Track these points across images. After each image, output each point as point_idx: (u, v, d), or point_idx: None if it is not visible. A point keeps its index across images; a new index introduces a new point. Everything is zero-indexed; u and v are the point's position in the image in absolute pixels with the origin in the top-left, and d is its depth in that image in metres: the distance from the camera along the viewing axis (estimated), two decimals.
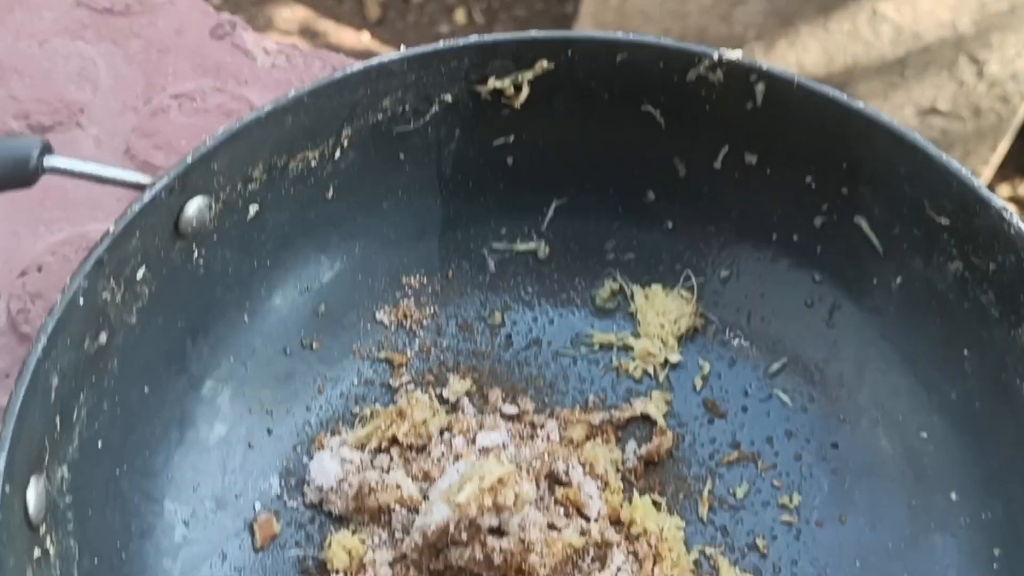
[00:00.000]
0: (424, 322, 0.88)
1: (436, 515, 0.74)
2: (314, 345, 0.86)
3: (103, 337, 0.70)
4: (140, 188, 0.71)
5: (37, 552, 0.63)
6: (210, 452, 0.80)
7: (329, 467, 0.80)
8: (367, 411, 0.84)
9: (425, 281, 0.89)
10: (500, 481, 0.73)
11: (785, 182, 0.83)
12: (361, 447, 0.82)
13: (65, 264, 0.95)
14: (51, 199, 0.98)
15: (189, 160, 0.72)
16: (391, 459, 0.81)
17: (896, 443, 0.82)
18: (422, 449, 0.82)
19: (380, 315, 0.88)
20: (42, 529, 0.64)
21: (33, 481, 0.63)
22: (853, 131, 0.78)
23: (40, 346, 0.64)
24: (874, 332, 0.83)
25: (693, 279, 0.88)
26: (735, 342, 0.87)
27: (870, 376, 0.83)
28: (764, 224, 0.86)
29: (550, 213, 0.89)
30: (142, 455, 0.76)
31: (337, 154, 0.81)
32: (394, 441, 0.82)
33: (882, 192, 0.80)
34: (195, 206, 0.74)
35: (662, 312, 0.87)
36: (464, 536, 0.73)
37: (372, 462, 0.81)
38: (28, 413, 0.62)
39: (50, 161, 0.72)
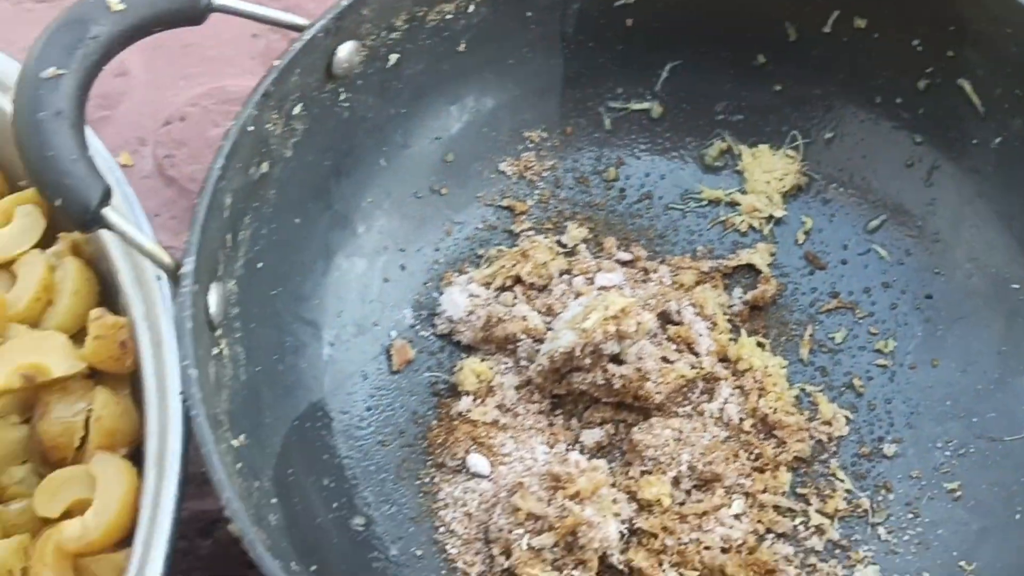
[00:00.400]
0: (543, 174, 0.94)
1: (562, 341, 0.80)
2: (443, 191, 0.92)
3: (265, 166, 0.77)
4: (299, 29, 0.77)
5: (215, 350, 0.70)
6: (351, 283, 0.87)
7: (458, 300, 0.87)
8: (491, 252, 0.91)
9: (545, 135, 0.95)
10: (623, 311, 0.79)
11: (892, 45, 0.87)
12: (487, 284, 0.89)
13: (205, 115, 1.02)
14: (190, 55, 1.05)
15: (344, 4, 0.78)
16: (515, 296, 0.88)
17: (989, 295, 0.87)
18: (543, 288, 0.88)
19: (503, 166, 0.94)
20: (218, 332, 0.71)
21: (213, 287, 0.70)
22: None
23: (217, 165, 0.70)
24: (971, 190, 0.88)
25: (799, 139, 0.93)
26: (837, 200, 0.93)
27: (966, 232, 0.88)
28: (869, 87, 0.91)
29: (664, 74, 0.94)
30: (294, 280, 0.83)
31: (471, 8, 0.86)
32: (517, 280, 0.88)
33: (987, 53, 0.84)
34: (346, 50, 0.80)
35: (768, 170, 0.92)
36: (587, 361, 0.80)
37: (497, 298, 0.88)
38: (208, 225, 0.69)
39: (218, 0, 0.78)
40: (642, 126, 0.96)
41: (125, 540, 0.70)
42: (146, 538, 0.67)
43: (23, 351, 0.74)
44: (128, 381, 0.77)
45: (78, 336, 0.77)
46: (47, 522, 0.73)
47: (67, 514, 0.72)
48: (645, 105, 0.95)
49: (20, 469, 0.76)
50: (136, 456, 0.73)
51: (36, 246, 0.81)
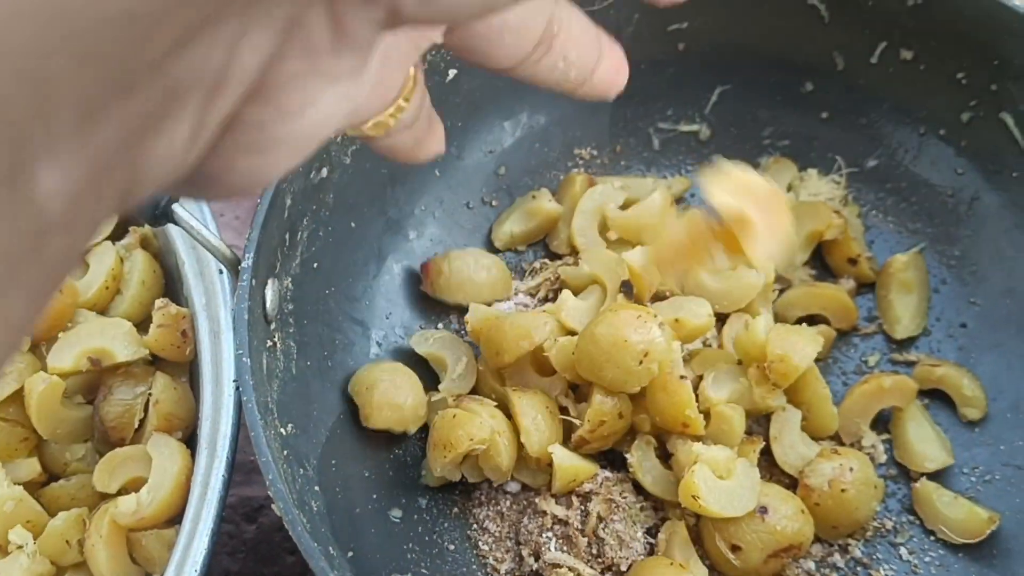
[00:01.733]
0: None
1: None
2: (493, 202, 0.96)
3: (324, 171, 0.81)
4: None
5: (269, 342, 0.74)
6: (400, 287, 0.91)
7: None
8: (535, 264, 0.94)
9: (595, 153, 0.98)
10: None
11: (937, 77, 0.90)
12: (532, 295, 0.92)
13: None
14: None
15: None
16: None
17: (1022, 325, 0.89)
18: None
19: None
20: (273, 325, 0.75)
21: (270, 283, 0.75)
22: (1006, 28, 0.83)
23: None
24: (1010, 222, 0.90)
25: (843, 166, 0.96)
26: (877, 226, 0.95)
27: (1003, 264, 0.90)
28: (914, 117, 0.93)
29: (714, 98, 0.97)
30: (347, 281, 0.87)
31: None
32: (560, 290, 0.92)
33: None
34: None
35: (814, 194, 0.95)
36: None
37: (542, 308, 0.91)
38: (268, 224, 0.73)
39: None
40: (690, 147, 0.99)
41: (176, 518, 0.74)
42: (195, 516, 0.71)
43: (90, 336, 0.79)
44: (187, 368, 0.82)
45: (142, 325, 0.81)
46: (104, 497, 0.78)
47: (123, 491, 0.77)
48: (694, 127, 0.98)
49: (82, 447, 0.80)
50: (190, 440, 0.77)
51: (107, 238, 0.86)
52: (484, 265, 0.90)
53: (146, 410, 0.79)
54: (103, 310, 0.83)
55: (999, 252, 0.90)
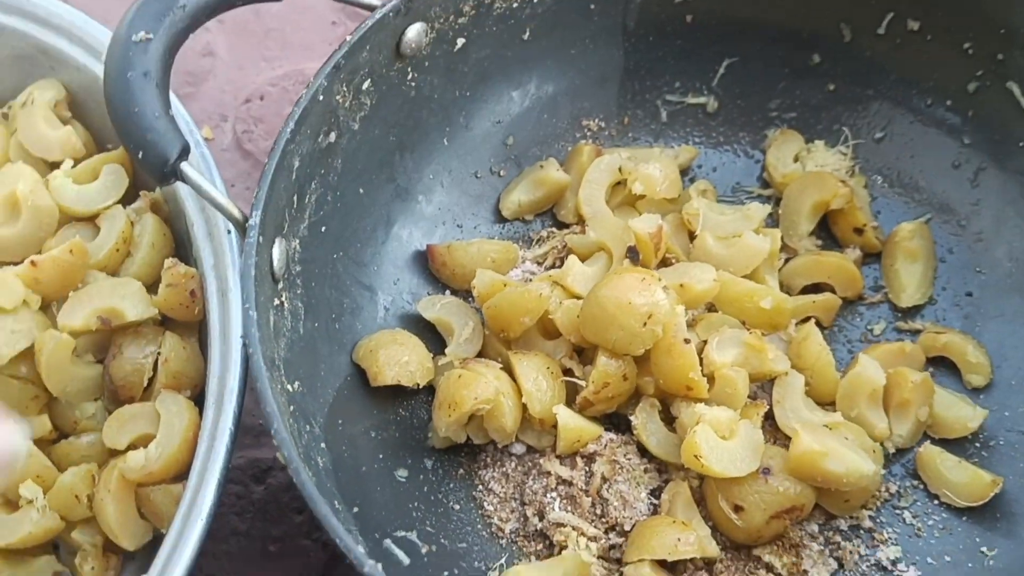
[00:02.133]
0: None
1: None
2: (501, 172, 0.97)
3: (332, 136, 0.82)
4: (371, 9, 0.82)
5: (276, 301, 0.75)
6: (409, 254, 0.92)
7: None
8: (543, 233, 0.95)
9: (603, 124, 0.99)
10: None
11: (944, 48, 0.90)
12: (539, 263, 0.93)
13: (284, 95, 1.08)
14: (272, 39, 1.11)
15: None
16: None
17: None
18: None
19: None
20: (280, 285, 0.76)
21: (277, 242, 0.75)
22: None
23: (288, 129, 0.76)
24: (1016, 192, 0.90)
25: (849, 138, 0.96)
26: (884, 196, 0.95)
27: (1008, 233, 0.90)
28: (920, 89, 0.93)
29: (721, 70, 0.98)
30: (355, 246, 0.88)
31: None
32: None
33: None
34: (415, 30, 0.84)
35: (821, 165, 0.95)
36: None
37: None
38: (276, 182, 0.74)
39: None
40: (697, 120, 0.99)
41: (183, 474, 0.75)
42: (201, 470, 0.72)
43: (100, 296, 0.80)
44: (196, 329, 0.83)
45: (152, 287, 0.82)
46: (114, 453, 0.79)
47: (132, 447, 0.78)
48: (701, 100, 0.99)
49: (92, 405, 0.81)
50: (199, 399, 0.78)
51: (119, 202, 0.87)
52: (487, 252, 0.91)
53: (155, 369, 0.80)
54: (114, 271, 0.84)
55: (1005, 221, 0.90)
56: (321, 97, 0.78)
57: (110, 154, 0.89)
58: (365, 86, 0.83)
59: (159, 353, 0.80)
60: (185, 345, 0.81)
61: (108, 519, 0.76)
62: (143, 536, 0.78)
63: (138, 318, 0.80)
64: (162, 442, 0.76)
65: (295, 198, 0.78)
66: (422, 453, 0.84)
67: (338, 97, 0.81)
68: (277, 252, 0.75)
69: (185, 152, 0.74)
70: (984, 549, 0.80)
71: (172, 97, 0.79)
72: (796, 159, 0.95)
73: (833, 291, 0.90)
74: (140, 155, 0.73)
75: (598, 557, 0.79)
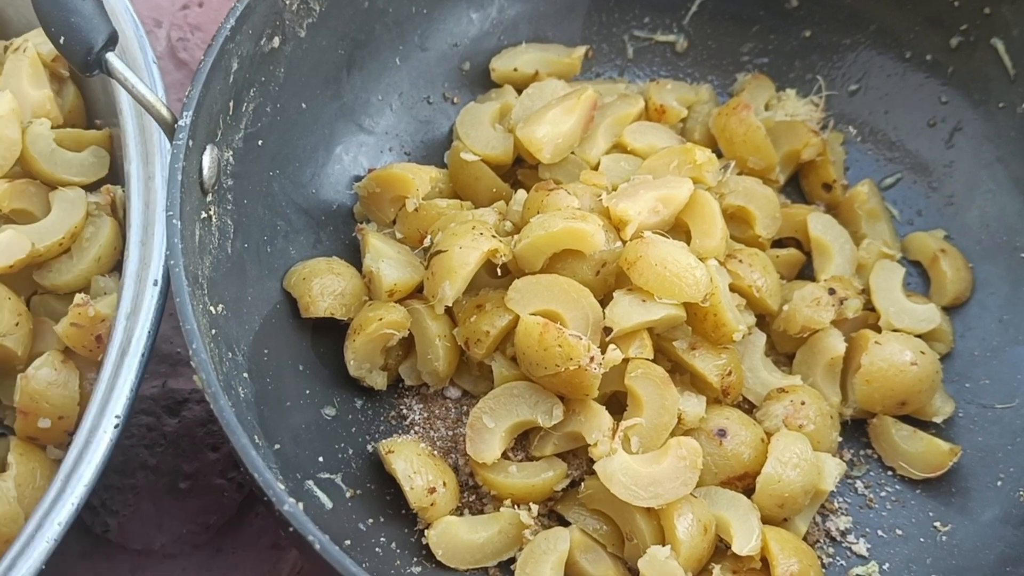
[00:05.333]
0: None
1: None
2: (455, 99, 0.91)
3: (276, 41, 0.75)
4: None
5: (203, 214, 0.69)
6: (350, 178, 0.85)
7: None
8: None
9: None
10: None
11: None
12: None
13: (224, 3, 1.00)
14: None
15: None
16: None
17: (997, 261, 0.85)
18: None
19: None
20: (209, 197, 0.70)
21: (208, 149, 0.69)
22: None
23: (228, 26, 0.69)
24: (991, 155, 0.86)
25: (823, 88, 0.91)
26: (855, 153, 0.91)
27: (980, 197, 0.87)
28: (901, 40, 0.89)
29: (694, 8, 0.93)
30: (293, 165, 0.81)
31: None
32: None
33: None
34: None
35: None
36: None
37: None
38: (211, 84, 0.67)
39: None
40: (665, 59, 0.94)
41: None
42: (107, 390, 0.65)
43: None
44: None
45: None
46: None
47: None
48: (671, 37, 0.94)
49: None
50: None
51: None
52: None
53: None
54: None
55: (979, 186, 0.87)
56: None
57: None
58: None
59: None
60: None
61: None
62: None
63: None
64: None
65: (231, 104, 0.72)
66: (352, 392, 0.78)
67: None
68: (208, 161, 0.69)
69: (112, 41, 0.67)
70: (937, 524, 0.76)
71: None
72: (767, 107, 0.90)
73: (799, 247, 0.85)
74: (61, 40, 0.67)
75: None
